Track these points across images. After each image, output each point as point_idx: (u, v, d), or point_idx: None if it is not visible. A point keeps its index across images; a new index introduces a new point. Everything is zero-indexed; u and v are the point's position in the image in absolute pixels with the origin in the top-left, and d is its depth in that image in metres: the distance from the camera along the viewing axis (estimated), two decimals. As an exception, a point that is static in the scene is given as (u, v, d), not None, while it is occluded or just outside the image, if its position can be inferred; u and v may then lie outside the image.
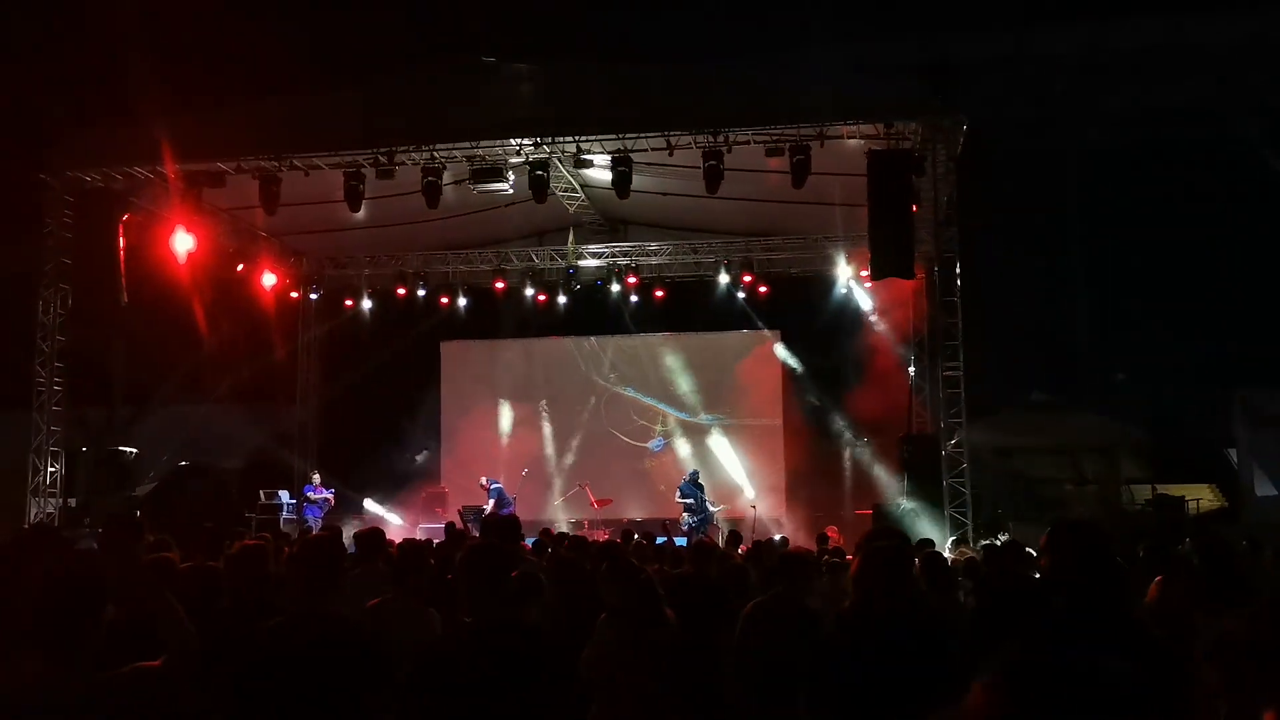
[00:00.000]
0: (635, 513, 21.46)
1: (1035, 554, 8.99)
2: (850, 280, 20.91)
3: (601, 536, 18.42)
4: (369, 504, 21.51)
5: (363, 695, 3.71)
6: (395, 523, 20.88)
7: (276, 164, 17.05)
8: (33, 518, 17.14)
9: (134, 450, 19.85)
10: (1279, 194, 27.03)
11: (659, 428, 23.35)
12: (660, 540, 13.51)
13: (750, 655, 6.27)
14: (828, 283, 21.34)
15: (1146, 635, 3.83)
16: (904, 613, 4.13)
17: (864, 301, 21.18)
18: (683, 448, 22.82)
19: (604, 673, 5.60)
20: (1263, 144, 27.06)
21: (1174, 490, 20.49)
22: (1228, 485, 22.48)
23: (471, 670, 3.70)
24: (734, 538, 13.25)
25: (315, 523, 19.02)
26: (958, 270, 16.64)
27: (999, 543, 10.35)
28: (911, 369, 19.98)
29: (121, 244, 17.41)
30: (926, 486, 16.52)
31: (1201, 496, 21.47)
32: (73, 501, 18.47)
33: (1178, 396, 25.38)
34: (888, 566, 4.11)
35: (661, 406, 23.34)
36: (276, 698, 3.73)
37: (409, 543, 7.96)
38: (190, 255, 18.49)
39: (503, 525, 8.37)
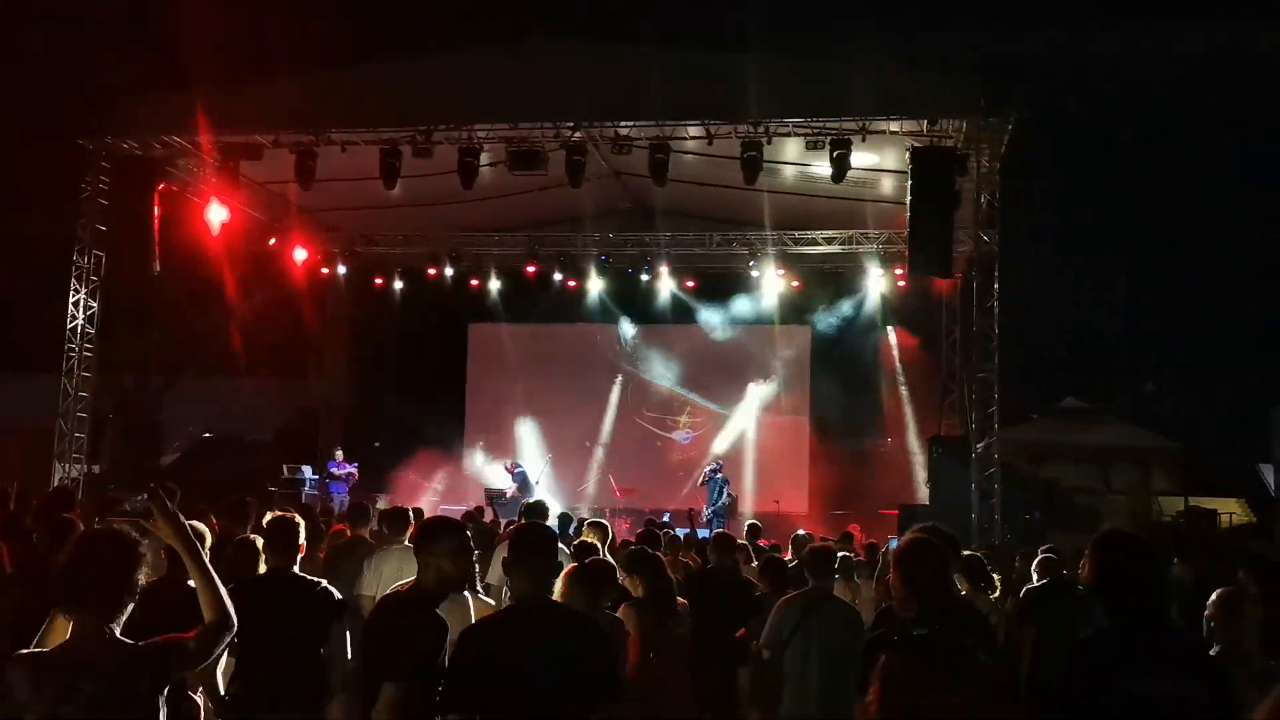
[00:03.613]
0: (658, 502, 21.36)
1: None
2: (884, 278, 20.70)
3: (624, 525, 18.36)
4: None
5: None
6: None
7: (314, 139, 17.00)
8: (57, 482, 17.15)
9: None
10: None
11: (684, 419, 23.23)
12: (683, 531, 13.41)
13: (781, 641, 6.27)
14: (861, 279, 21.15)
15: (1199, 652, 3.72)
16: (948, 610, 4.00)
17: (897, 300, 20.97)
18: (708, 440, 22.67)
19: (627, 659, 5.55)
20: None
21: (1205, 503, 20.24)
22: (1258, 501, 22.16)
23: (513, 649, 3.60)
24: (752, 530, 13.11)
25: (341, 499, 19.00)
26: (996, 272, 16.43)
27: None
28: (943, 369, 19.77)
29: (156, 213, 17.41)
30: (954, 488, 16.31)
31: (1232, 511, 21.19)
32: (96, 468, 18.52)
33: (1211, 410, 25.11)
34: (933, 557, 3.96)
35: (691, 396, 23.21)
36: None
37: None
38: (224, 227, 18.50)
39: (538, 509, 8.27)
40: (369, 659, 4.40)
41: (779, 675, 6.35)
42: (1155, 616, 3.66)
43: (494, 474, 21.68)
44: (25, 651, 3.08)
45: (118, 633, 3.08)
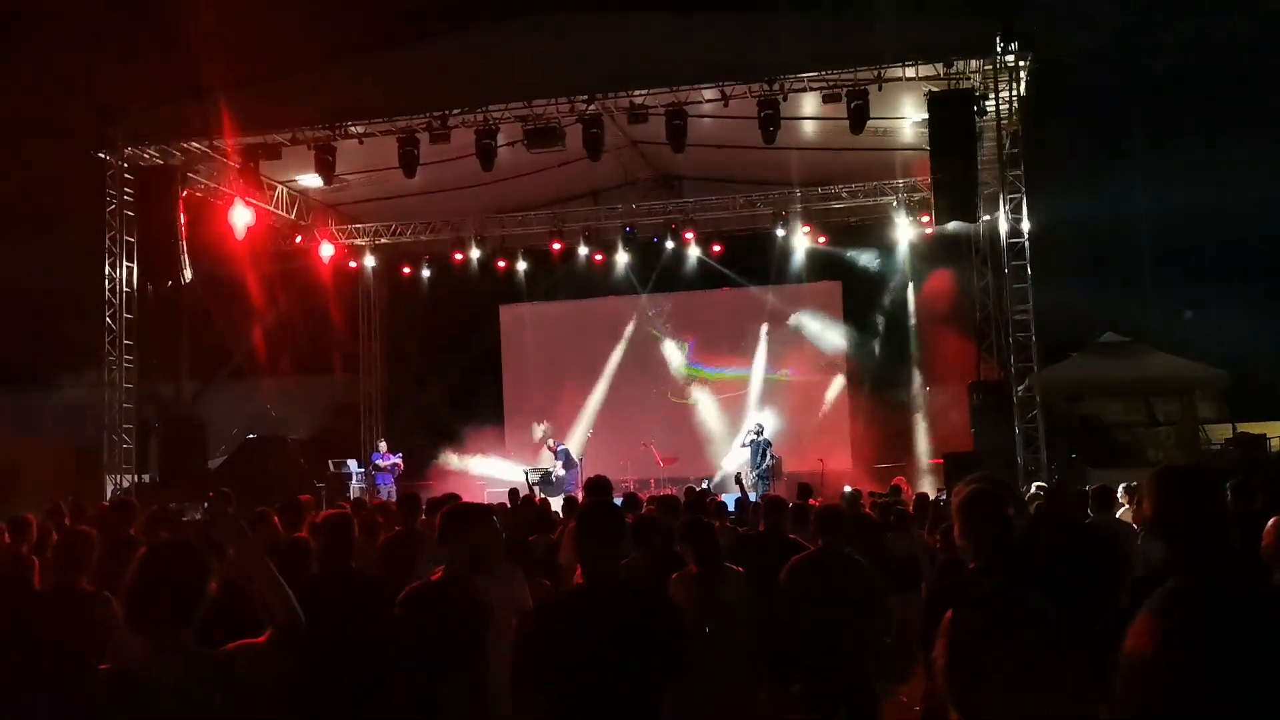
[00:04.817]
0: (701, 469, 21.40)
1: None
2: (912, 226, 20.53)
3: (670, 494, 18.38)
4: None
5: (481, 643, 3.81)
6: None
7: (331, 133, 17.04)
8: (110, 493, 17.37)
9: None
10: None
11: (717, 383, 23.16)
12: (735, 497, 13.45)
13: (789, 607, 6.26)
14: (889, 230, 20.99)
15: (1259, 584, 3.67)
16: (1011, 558, 3.96)
17: (927, 248, 20.79)
18: (746, 403, 22.63)
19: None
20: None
21: (1253, 428, 19.99)
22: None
23: (584, 630, 3.60)
24: (804, 490, 13.11)
25: (388, 489, 19.15)
26: (1025, 211, 16.27)
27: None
28: (977, 313, 19.63)
29: (182, 220, 17.53)
30: (997, 433, 16.23)
31: (1281, 435, 20.95)
32: (146, 477, 18.73)
33: (1255, 332, 24.65)
34: (993, 506, 3.93)
35: (724, 361, 23.09)
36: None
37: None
38: (250, 228, 18.61)
39: (602, 486, 8.16)
40: (407, 649, 4.42)
41: (791, 631, 6.37)
42: (1217, 550, 3.61)
43: (537, 454, 21.80)
44: (104, 668, 3.12)
45: (190, 643, 3.10)
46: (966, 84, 15.80)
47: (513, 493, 13.35)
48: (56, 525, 7.76)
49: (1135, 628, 1.53)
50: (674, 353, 23.37)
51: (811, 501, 11.97)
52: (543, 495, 16.70)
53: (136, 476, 18.31)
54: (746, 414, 22.01)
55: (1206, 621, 1.46)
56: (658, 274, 22.93)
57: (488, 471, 21.74)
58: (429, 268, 23.40)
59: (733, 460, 21.06)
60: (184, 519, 7.25)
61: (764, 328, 22.92)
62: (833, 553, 6.41)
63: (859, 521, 9.37)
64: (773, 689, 7.16)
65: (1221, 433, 20.42)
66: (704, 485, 18.87)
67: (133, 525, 7.15)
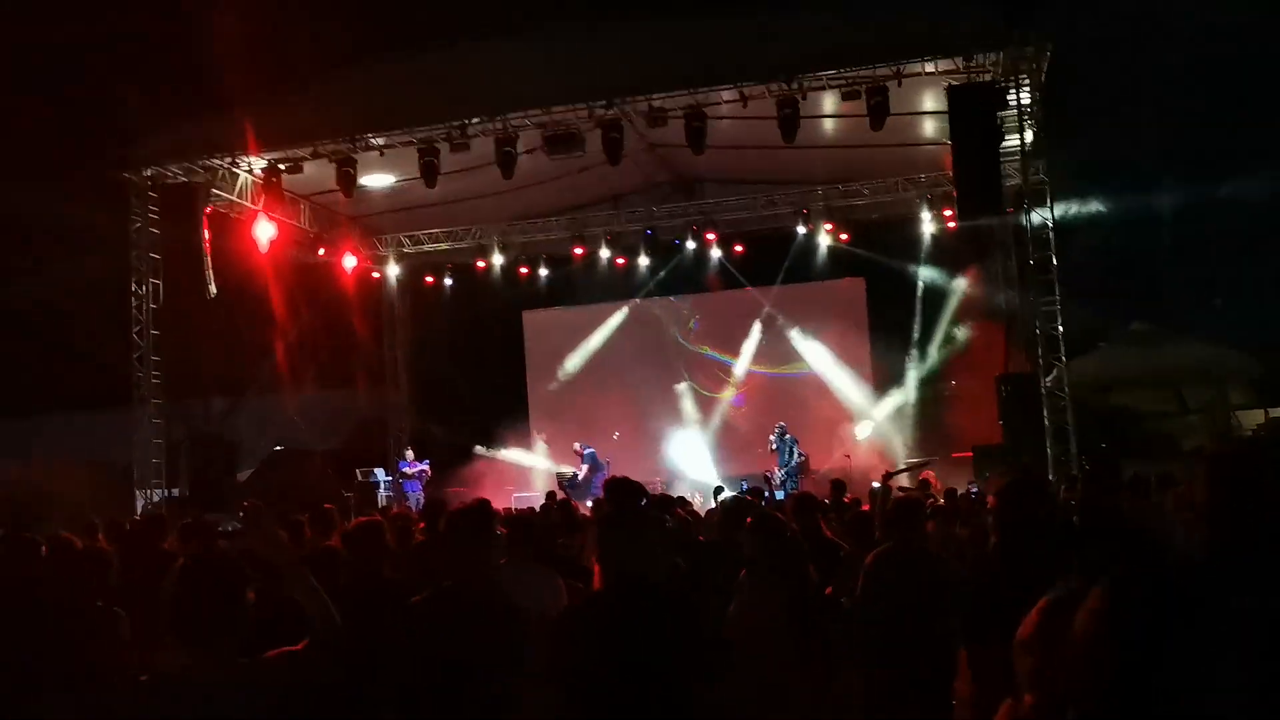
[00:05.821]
0: (727, 470, 21.34)
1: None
2: (935, 221, 20.42)
3: (697, 497, 18.37)
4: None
5: (512, 657, 3.72)
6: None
7: (351, 145, 17.11)
8: (140, 509, 17.49)
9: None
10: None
11: (738, 382, 23.12)
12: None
13: (875, 604, 6.11)
14: (913, 225, 20.88)
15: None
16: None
17: (951, 242, 20.68)
18: (772, 402, 22.54)
19: (746, 627, 5.39)
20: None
21: (1288, 414, 19.82)
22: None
23: (621, 630, 3.50)
24: (838, 486, 13.00)
25: (415, 497, 19.20)
26: (1050, 202, 16.16)
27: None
28: (1004, 306, 19.49)
29: (206, 236, 17.64)
30: (1026, 426, 16.12)
31: (1318, 418, 20.71)
32: (175, 491, 18.83)
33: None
34: (1035, 495, 3.90)
35: (748, 359, 22.99)
36: (437, 667, 3.75)
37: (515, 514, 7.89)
38: (273, 242, 18.71)
39: (629, 487, 7.95)
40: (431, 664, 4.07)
41: (872, 631, 6.22)
42: (1267, 535, 3.54)
43: (563, 458, 21.80)
44: (146, 678, 3.13)
45: (229, 652, 3.11)
46: (987, 76, 15.71)
47: (549, 495, 13.39)
48: (88, 543, 7.81)
49: (1080, 615, 1.53)
50: (699, 351, 23.32)
51: (845, 499, 11.90)
52: (570, 499, 16.73)
53: (167, 492, 18.42)
54: (773, 412, 21.91)
55: (1132, 615, 1.46)
56: (680, 277, 22.92)
57: (516, 476, 21.77)
58: (451, 276, 23.48)
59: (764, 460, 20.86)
60: (218, 529, 7.27)
61: (787, 326, 22.83)
62: (911, 548, 6.19)
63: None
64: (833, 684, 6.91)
65: (1254, 419, 20.20)
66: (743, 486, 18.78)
67: (165, 539, 7.20)
